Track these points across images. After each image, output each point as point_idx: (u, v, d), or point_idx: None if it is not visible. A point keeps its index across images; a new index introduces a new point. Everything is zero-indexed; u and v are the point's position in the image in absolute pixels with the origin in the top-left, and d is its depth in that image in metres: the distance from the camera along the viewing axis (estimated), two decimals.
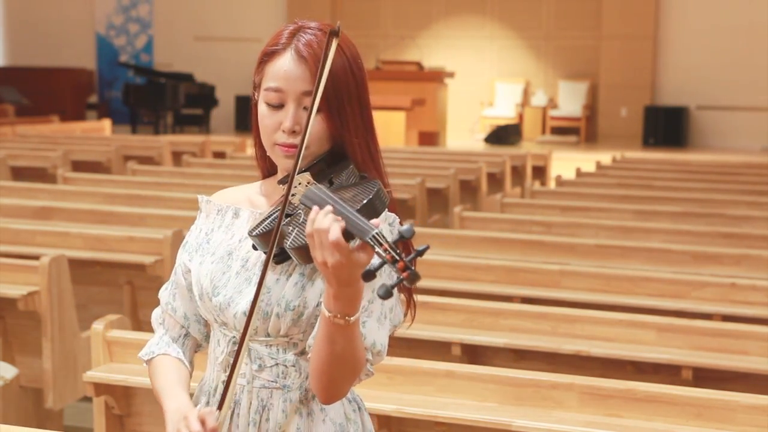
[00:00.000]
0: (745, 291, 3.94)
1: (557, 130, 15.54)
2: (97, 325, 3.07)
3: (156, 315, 1.92)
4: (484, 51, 16.15)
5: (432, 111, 13.30)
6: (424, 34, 16.21)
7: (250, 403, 1.77)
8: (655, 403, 2.70)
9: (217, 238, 1.83)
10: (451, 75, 14.19)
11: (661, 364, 3.34)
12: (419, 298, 3.69)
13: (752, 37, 14.61)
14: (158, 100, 15.68)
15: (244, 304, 1.73)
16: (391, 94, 12.66)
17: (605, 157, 10.35)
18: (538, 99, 15.75)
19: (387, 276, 1.64)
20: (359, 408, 1.84)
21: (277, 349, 1.75)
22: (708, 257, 4.55)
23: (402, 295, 1.80)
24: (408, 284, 1.44)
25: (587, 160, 10.59)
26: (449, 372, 2.88)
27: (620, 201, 6.47)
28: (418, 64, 14.16)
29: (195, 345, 1.90)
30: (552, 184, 8.91)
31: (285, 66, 1.73)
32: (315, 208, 1.54)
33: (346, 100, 1.73)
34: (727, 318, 3.78)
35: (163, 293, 1.90)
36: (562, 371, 3.20)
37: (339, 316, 1.57)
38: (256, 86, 1.79)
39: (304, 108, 1.72)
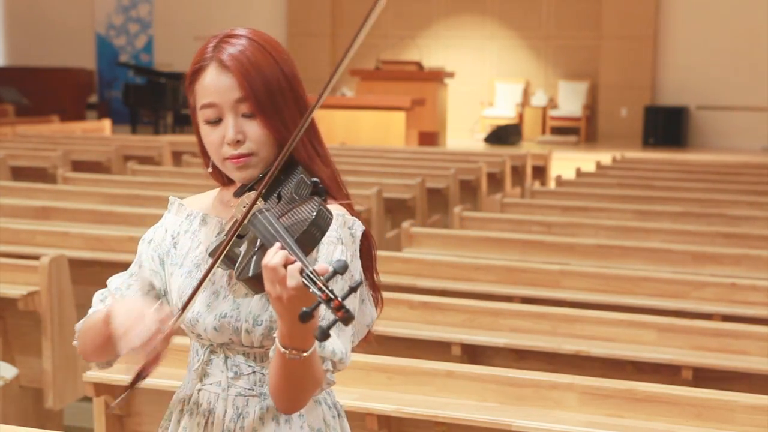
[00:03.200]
0: (745, 291, 3.94)
1: (557, 130, 15.54)
2: None
3: (98, 294, 1.87)
4: (484, 51, 16.15)
5: (432, 111, 13.30)
6: (424, 34, 16.21)
7: (225, 411, 1.74)
8: (655, 403, 2.70)
9: (183, 243, 1.81)
10: (451, 75, 14.19)
11: (661, 364, 3.34)
12: (419, 298, 3.71)
13: (752, 37, 14.61)
14: (158, 100, 15.68)
15: (212, 319, 1.72)
16: (391, 94, 12.66)
17: (605, 157, 10.35)
18: (538, 99, 15.75)
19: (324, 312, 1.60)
20: (338, 414, 1.82)
21: (254, 358, 1.73)
22: (708, 257, 4.55)
23: (370, 292, 1.79)
24: (343, 324, 1.43)
25: (587, 160, 10.59)
26: (449, 372, 2.88)
27: (620, 201, 6.47)
28: (418, 64, 14.15)
29: None
30: (552, 184, 8.91)
31: (212, 80, 1.70)
32: (276, 244, 1.52)
33: (280, 99, 1.70)
34: (727, 318, 3.78)
35: (116, 279, 1.86)
36: (562, 371, 3.20)
37: (294, 352, 1.55)
38: (193, 108, 1.76)
39: (243, 115, 1.70)
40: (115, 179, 7.50)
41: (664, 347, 3.40)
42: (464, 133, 15.72)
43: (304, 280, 1.46)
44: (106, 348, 1.71)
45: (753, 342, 3.33)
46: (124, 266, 4.73)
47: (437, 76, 13.72)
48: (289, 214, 1.61)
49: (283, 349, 1.56)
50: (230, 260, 1.64)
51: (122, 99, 16.03)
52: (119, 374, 3.03)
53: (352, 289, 1.46)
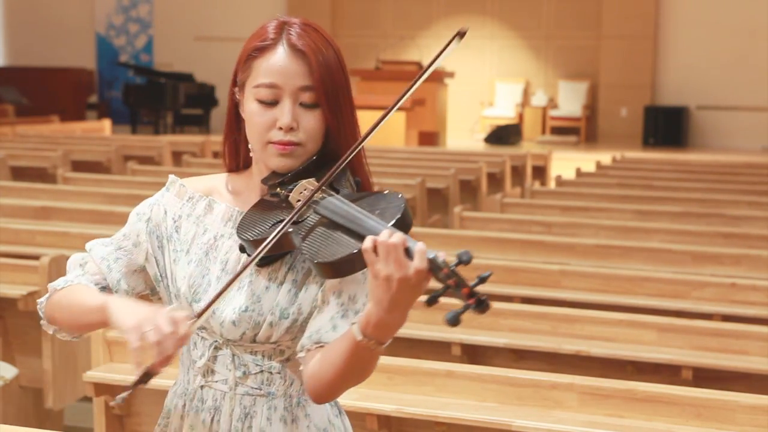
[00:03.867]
0: (745, 291, 3.94)
1: (557, 130, 15.54)
2: None
3: (76, 258, 1.79)
4: (484, 51, 16.14)
5: (432, 111, 13.29)
6: (424, 34, 16.20)
7: (232, 410, 1.72)
8: (655, 403, 2.70)
9: (187, 228, 1.75)
10: (451, 75, 14.19)
11: (661, 364, 3.34)
12: (419, 297, 3.70)
13: (752, 37, 14.61)
14: (158, 100, 15.68)
15: (230, 312, 1.67)
16: (391, 94, 12.65)
17: (605, 157, 10.35)
18: (538, 99, 15.74)
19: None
20: (340, 412, 1.81)
21: (263, 356, 1.70)
22: (708, 257, 4.55)
23: None
24: (479, 311, 1.39)
25: (587, 160, 10.58)
26: (449, 372, 2.88)
27: (620, 201, 6.47)
28: (418, 64, 14.15)
29: None
30: (552, 184, 8.91)
31: (280, 61, 1.65)
32: (370, 236, 1.46)
33: (342, 96, 1.68)
34: (727, 318, 3.78)
35: (99, 247, 1.78)
36: (562, 371, 3.19)
37: (373, 342, 1.50)
38: (241, 85, 1.70)
39: (301, 104, 1.66)
40: (115, 179, 7.50)
41: (664, 347, 3.40)
42: (464, 133, 15.72)
43: (430, 267, 1.42)
44: (85, 329, 1.68)
45: (753, 342, 3.33)
46: None
47: (437, 76, 13.71)
48: (371, 204, 1.56)
49: (361, 337, 1.49)
50: (277, 247, 1.59)
51: (122, 99, 16.03)
52: (119, 374, 3.03)
53: (482, 279, 1.41)
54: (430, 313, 3.60)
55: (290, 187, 1.66)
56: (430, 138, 13.04)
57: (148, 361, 1.55)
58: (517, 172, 9.25)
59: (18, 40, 18.57)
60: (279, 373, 1.71)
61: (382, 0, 16.45)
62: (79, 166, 8.90)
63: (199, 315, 1.61)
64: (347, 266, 1.52)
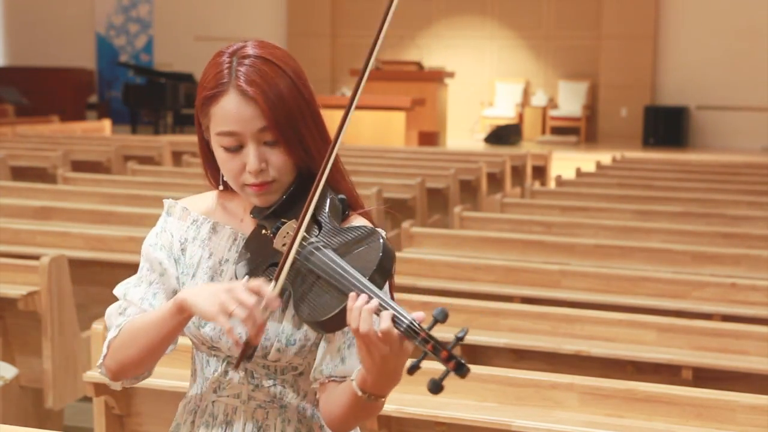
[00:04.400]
0: (745, 291, 3.93)
1: (557, 130, 15.54)
2: (97, 325, 3.07)
3: (114, 307, 1.76)
4: (484, 51, 16.15)
5: (432, 111, 13.30)
6: (424, 34, 16.21)
7: (245, 423, 1.71)
8: (655, 403, 2.70)
9: (192, 251, 1.75)
10: (451, 75, 14.19)
11: (661, 364, 3.33)
12: (419, 298, 3.71)
13: (752, 37, 14.61)
14: (158, 100, 15.68)
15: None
16: (391, 94, 12.65)
17: (605, 157, 10.35)
18: (538, 99, 15.75)
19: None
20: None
21: (276, 370, 1.71)
22: (708, 257, 4.55)
23: None
24: (459, 376, 1.40)
25: (587, 160, 10.59)
26: None
27: (620, 201, 6.47)
28: (418, 64, 14.16)
29: None
30: (552, 184, 8.91)
31: (233, 108, 1.63)
32: (352, 296, 1.48)
33: (301, 124, 1.66)
34: (727, 318, 3.78)
35: (134, 290, 1.75)
36: (562, 371, 3.19)
37: (373, 397, 1.56)
38: (205, 128, 1.70)
39: (265, 143, 1.65)
40: (115, 179, 7.49)
41: (664, 347, 3.40)
42: (464, 133, 15.72)
43: (404, 332, 1.45)
44: (165, 343, 1.66)
45: (753, 342, 3.33)
46: (124, 266, 4.73)
47: (437, 76, 13.72)
48: (351, 251, 1.57)
49: (361, 393, 1.55)
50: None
51: (122, 99, 16.02)
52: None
53: (459, 339, 1.44)
54: (430, 314, 3.60)
55: (274, 229, 1.66)
56: (430, 138, 13.04)
57: (246, 335, 1.56)
58: (517, 172, 9.25)
59: (18, 40, 18.57)
60: (292, 386, 1.71)
61: (382, 0, 16.44)
62: (79, 166, 8.90)
63: (277, 278, 1.59)
64: (333, 325, 1.54)
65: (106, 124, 13.90)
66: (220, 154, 1.68)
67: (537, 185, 8.18)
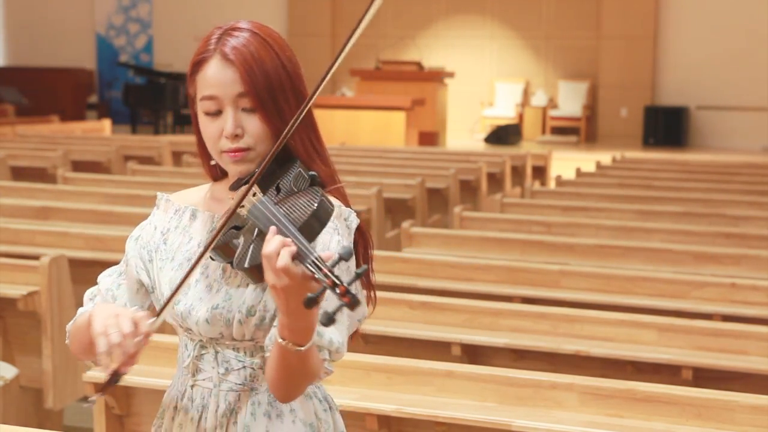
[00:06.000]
0: (745, 291, 3.94)
1: (557, 130, 15.54)
2: None
3: (88, 292, 1.87)
4: (484, 51, 16.15)
5: (432, 111, 13.30)
6: (424, 34, 16.21)
7: (218, 406, 1.75)
8: (655, 403, 2.70)
9: (173, 239, 1.80)
10: (451, 75, 14.19)
11: (661, 364, 3.34)
12: (419, 298, 3.71)
13: (752, 37, 14.61)
14: (158, 100, 15.68)
15: (204, 311, 1.72)
16: (391, 94, 12.66)
17: (605, 157, 10.35)
18: (538, 99, 15.75)
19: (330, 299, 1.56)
20: (330, 407, 1.83)
21: (245, 353, 1.74)
22: (708, 257, 4.55)
23: (363, 291, 1.78)
24: (349, 310, 1.43)
25: (587, 160, 10.59)
26: (449, 372, 2.88)
27: (620, 201, 6.47)
28: (418, 64, 14.15)
29: None
30: (552, 184, 8.91)
31: (214, 72, 1.70)
32: (272, 229, 1.52)
33: (281, 96, 1.70)
34: (727, 318, 3.78)
35: (106, 279, 1.87)
36: (562, 371, 3.20)
37: (291, 344, 1.56)
38: (192, 99, 1.76)
39: (243, 109, 1.69)
40: (115, 179, 7.50)
41: (664, 347, 3.40)
42: (464, 133, 15.72)
43: (308, 266, 1.46)
44: (91, 349, 1.71)
45: (753, 342, 3.33)
46: None
47: (437, 76, 13.72)
48: (289, 203, 1.60)
49: (282, 341, 1.56)
50: (227, 252, 1.63)
51: (122, 99, 16.03)
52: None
53: (358, 275, 1.45)
54: (430, 314, 3.60)
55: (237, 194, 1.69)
56: (430, 138, 13.05)
57: (116, 362, 1.60)
58: (517, 172, 9.25)
59: (18, 40, 18.57)
60: (261, 368, 1.74)
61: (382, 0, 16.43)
62: (79, 166, 8.90)
63: (159, 313, 1.66)
64: (258, 272, 1.55)
65: (106, 124, 13.90)
66: (201, 120, 1.73)
67: (537, 185, 8.19)
